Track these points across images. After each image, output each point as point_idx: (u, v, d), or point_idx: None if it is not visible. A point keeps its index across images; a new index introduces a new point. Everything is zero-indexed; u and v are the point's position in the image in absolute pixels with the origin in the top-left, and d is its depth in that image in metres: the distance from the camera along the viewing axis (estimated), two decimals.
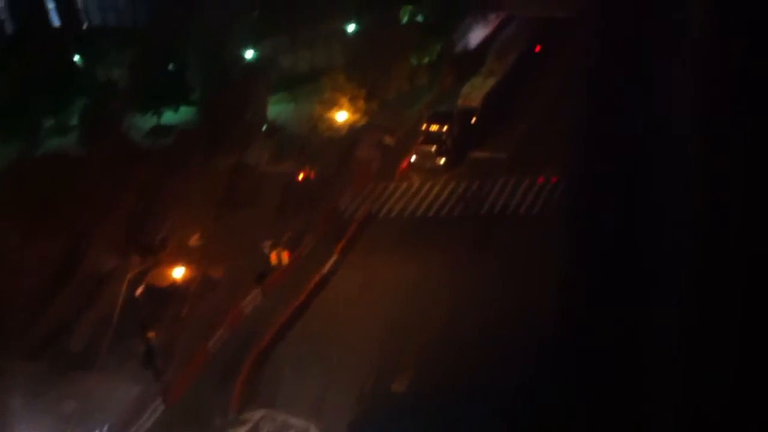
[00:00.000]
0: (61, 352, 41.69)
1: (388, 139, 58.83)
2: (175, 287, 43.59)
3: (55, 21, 67.80)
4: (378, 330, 41.47)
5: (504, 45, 70.43)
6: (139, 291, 43.59)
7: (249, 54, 62.88)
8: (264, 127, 58.70)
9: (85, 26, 66.70)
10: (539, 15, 70.71)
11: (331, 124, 56.84)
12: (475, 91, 59.97)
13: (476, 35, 71.20)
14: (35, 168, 53.61)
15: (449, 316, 41.74)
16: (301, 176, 51.90)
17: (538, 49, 66.92)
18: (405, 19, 67.40)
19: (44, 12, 67.75)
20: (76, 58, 66.78)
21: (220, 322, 42.66)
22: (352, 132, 57.45)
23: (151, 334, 41.28)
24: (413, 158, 56.54)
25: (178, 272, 43.55)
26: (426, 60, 65.04)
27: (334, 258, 47.55)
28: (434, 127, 56.75)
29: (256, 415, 37.99)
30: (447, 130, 56.44)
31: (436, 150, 55.73)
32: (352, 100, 57.05)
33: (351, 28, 64.79)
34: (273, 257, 46.91)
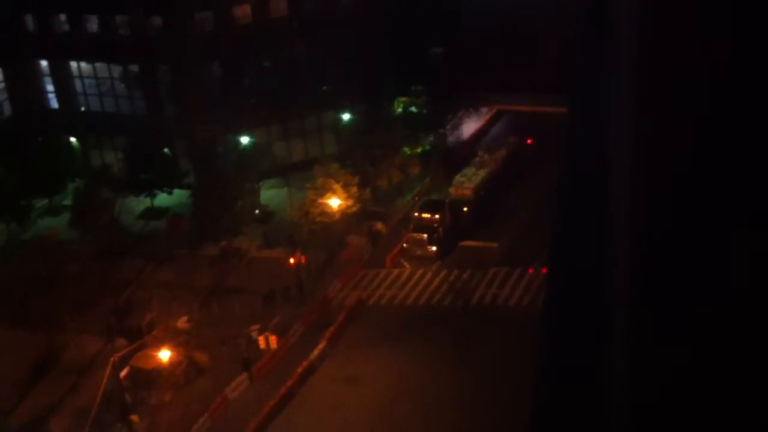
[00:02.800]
0: None
1: (380, 227, 58.98)
2: (160, 370, 42.92)
3: (53, 104, 68.65)
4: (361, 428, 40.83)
5: (496, 137, 71.49)
6: (123, 373, 42.90)
7: (244, 140, 63.48)
8: (256, 212, 58.85)
9: (82, 110, 67.42)
10: (528, 109, 72.10)
11: (323, 211, 56.94)
12: (467, 181, 60.43)
13: (468, 127, 72.26)
14: (24, 249, 53.60)
15: (430, 421, 41.10)
16: (291, 262, 51.79)
17: (530, 141, 67.75)
18: (399, 110, 68.46)
19: (42, 94, 68.65)
20: (72, 140, 67.39)
21: (205, 408, 41.91)
22: (344, 219, 57.56)
23: (134, 417, 40.51)
24: (404, 246, 56.57)
25: (164, 354, 42.96)
26: (419, 150, 65.78)
27: (321, 346, 47.01)
28: (426, 216, 56.89)
29: None
30: (438, 218, 56.59)
31: (427, 238, 55.74)
32: (345, 188, 57.31)
33: (346, 117, 65.67)
34: (261, 342, 46.44)
